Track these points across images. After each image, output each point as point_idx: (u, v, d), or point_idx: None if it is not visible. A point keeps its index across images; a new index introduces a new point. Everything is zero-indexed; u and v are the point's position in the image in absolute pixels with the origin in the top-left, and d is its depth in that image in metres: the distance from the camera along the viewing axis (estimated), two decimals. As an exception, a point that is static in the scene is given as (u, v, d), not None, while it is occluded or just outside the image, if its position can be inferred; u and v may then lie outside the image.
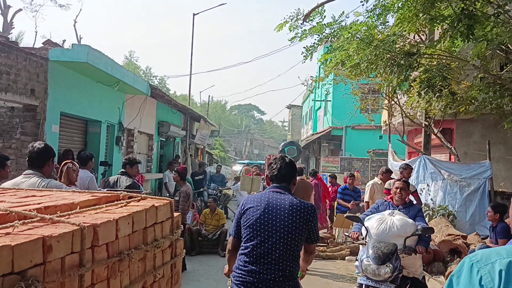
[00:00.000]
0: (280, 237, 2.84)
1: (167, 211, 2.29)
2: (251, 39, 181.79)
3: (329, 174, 13.73)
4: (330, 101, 26.16)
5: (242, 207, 3.01)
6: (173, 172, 13.31)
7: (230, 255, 3.13)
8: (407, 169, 7.75)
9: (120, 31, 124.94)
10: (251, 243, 2.88)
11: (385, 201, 5.18)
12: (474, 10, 6.19)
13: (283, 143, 18.86)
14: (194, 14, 22.79)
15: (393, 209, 4.74)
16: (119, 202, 2.23)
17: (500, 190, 10.25)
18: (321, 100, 29.08)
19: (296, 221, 2.87)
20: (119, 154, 11.92)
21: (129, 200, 2.25)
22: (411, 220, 4.52)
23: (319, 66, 28.26)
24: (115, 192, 2.39)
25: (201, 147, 24.83)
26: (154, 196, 2.43)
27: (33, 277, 1.33)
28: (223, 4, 23.93)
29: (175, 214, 2.42)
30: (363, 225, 4.49)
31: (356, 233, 4.67)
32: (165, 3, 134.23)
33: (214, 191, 15.60)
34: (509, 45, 6.62)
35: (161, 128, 15.82)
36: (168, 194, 12.65)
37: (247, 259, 2.87)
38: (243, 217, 2.97)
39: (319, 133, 28.12)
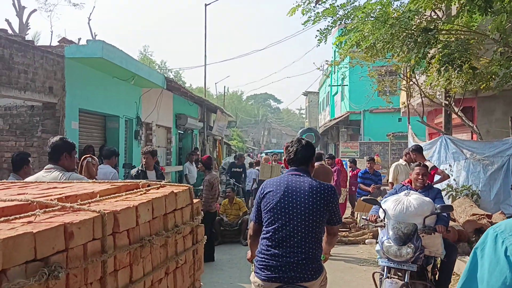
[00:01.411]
0: (301, 220, 2.82)
1: (186, 198, 2.29)
2: (264, 27, 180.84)
3: (349, 159, 13.62)
4: (347, 85, 25.88)
5: (262, 192, 3.00)
6: (193, 163, 13.44)
7: (252, 240, 3.13)
8: (416, 150, 7.59)
9: (133, 26, 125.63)
10: (273, 227, 2.87)
11: (403, 185, 5.11)
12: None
13: (301, 130, 18.77)
14: (206, 5, 22.73)
15: (409, 190, 4.67)
16: (138, 190, 2.23)
17: (524, 167, 10.00)
18: (337, 85, 28.78)
19: (316, 202, 2.85)
20: (138, 148, 12.04)
21: (149, 188, 2.25)
22: (427, 198, 4.45)
23: (334, 50, 27.94)
24: (134, 181, 2.40)
25: (219, 138, 24.91)
26: (173, 183, 2.43)
27: (56, 263, 1.34)
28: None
29: (195, 200, 2.41)
30: (381, 206, 4.44)
31: (374, 215, 4.62)
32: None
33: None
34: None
35: (178, 121, 15.90)
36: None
37: (270, 243, 2.86)
38: (263, 202, 2.96)
39: (337, 118, 27.90)
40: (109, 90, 10.22)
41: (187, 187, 2.33)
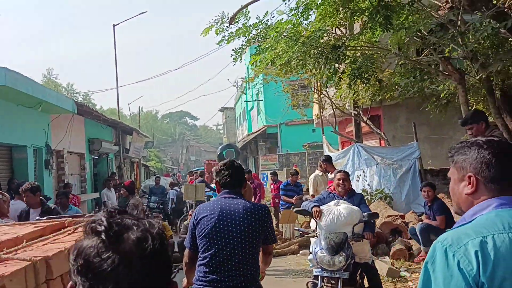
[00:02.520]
0: (237, 242, 2.82)
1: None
2: (178, 46, 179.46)
3: (270, 172, 13.90)
4: (262, 100, 26.50)
5: (196, 217, 2.95)
6: (111, 189, 12.87)
7: (188, 268, 3.06)
8: (326, 160, 7.99)
9: (35, 50, 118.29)
10: (209, 252, 2.83)
11: (330, 192, 5.32)
12: (389, 1, 6.53)
13: (220, 147, 18.87)
14: (114, 25, 22.12)
15: (338, 200, 4.88)
16: (65, 229, 2.10)
17: (428, 168, 10.91)
18: (253, 100, 29.37)
19: (251, 223, 2.87)
20: (50, 178, 11.28)
21: (76, 226, 2.12)
22: (356, 207, 4.69)
23: (247, 67, 28.54)
24: (59, 220, 2.25)
25: (136, 160, 24.15)
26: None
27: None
28: (143, 12, 23.44)
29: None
30: (312, 217, 4.58)
31: (317, 211, 4.62)
32: (81, 16, 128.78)
33: (156, 204, 15.18)
34: (423, 32, 7.07)
35: (92, 146, 15.19)
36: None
37: (207, 269, 2.82)
38: (198, 227, 2.91)
39: (255, 132, 28.39)
40: (14, 119, 9.50)
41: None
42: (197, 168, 29.43)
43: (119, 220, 0.96)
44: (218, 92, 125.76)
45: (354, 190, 5.43)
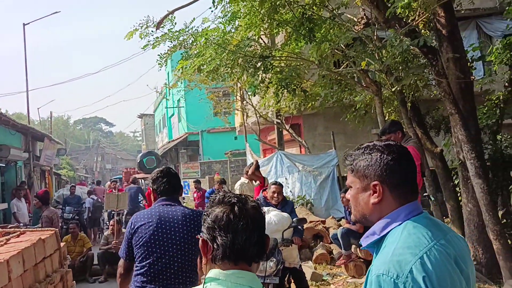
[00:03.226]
0: (177, 250, 2.78)
1: (54, 243, 2.06)
2: (97, 49, 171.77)
3: (193, 180, 13.78)
4: (183, 107, 26.20)
5: (132, 226, 2.85)
6: (21, 199, 11.93)
7: (122, 279, 2.93)
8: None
9: None
10: (147, 261, 2.75)
11: (265, 200, 5.39)
12: (312, 14, 6.84)
13: (140, 154, 18.35)
14: (24, 24, 20.64)
15: (268, 207, 4.99)
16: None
17: (345, 175, 11.44)
18: (174, 107, 28.92)
19: (191, 230, 2.83)
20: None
21: (8, 236, 1.96)
22: (286, 213, 4.82)
23: (168, 73, 28.10)
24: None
25: (47, 168, 22.64)
26: (34, 229, 2.17)
27: None
28: (56, 12, 22.17)
29: (61, 243, 2.19)
30: None
31: None
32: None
33: (71, 215, 14.34)
34: (341, 45, 7.48)
35: (-1, 153, 13.99)
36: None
37: (144, 279, 2.73)
38: (135, 237, 2.81)
39: (175, 140, 27.96)
40: None
41: (53, 231, 2.11)
42: (116, 177, 28.28)
43: (238, 196, 1.43)
44: (138, 98, 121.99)
45: (285, 198, 5.58)
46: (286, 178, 11.48)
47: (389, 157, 1.45)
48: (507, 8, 8.15)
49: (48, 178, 22.39)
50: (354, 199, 1.53)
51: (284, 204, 5.28)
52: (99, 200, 15.06)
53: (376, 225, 1.46)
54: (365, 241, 1.50)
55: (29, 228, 2.21)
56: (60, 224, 12.99)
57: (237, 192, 8.57)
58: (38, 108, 47.18)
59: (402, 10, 5.82)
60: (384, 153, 1.46)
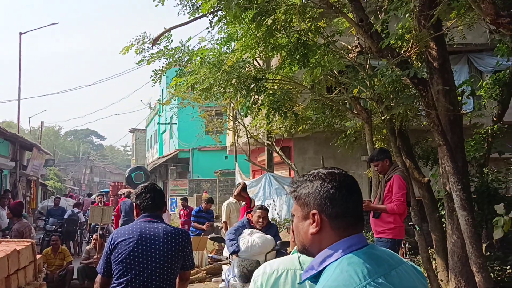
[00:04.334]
0: (156, 267, 2.74)
1: (29, 255, 2.03)
2: (92, 62, 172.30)
3: (181, 197, 13.69)
4: (176, 124, 26.21)
5: (113, 242, 2.81)
6: (5, 208, 11.75)
7: None
8: (243, 189, 8.00)
9: None
10: (125, 278, 2.70)
11: (250, 222, 5.36)
12: (307, 40, 6.94)
13: (129, 169, 18.24)
14: (21, 33, 20.70)
15: (252, 229, 4.95)
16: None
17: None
18: (166, 123, 28.91)
19: (171, 248, 2.80)
20: None
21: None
22: (270, 236, 4.79)
23: (162, 89, 28.19)
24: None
25: (34, 178, 22.38)
26: (10, 239, 2.13)
27: None
28: (54, 23, 22.32)
29: (38, 256, 2.15)
30: (235, 242, 4.60)
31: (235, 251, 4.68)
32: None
33: (54, 227, 14.12)
34: (335, 71, 7.58)
35: (-15, 160, 13.84)
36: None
37: (121, 296, 2.69)
38: (114, 252, 2.77)
39: (166, 156, 27.85)
40: None
41: (30, 243, 2.07)
42: (102, 190, 27.98)
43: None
44: (131, 112, 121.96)
45: (270, 221, 5.56)
46: (273, 200, 11.48)
47: (329, 185, 1.38)
48: (498, 45, 8.36)
49: (33, 188, 22.12)
50: (296, 228, 1.46)
51: (268, 228, 5.25)
52: (75, 212, 14.80)
53: (315, 259, 1.38)
54: (304, 275, 1.41)
55: (5, 238, 2.17)
56: (42, 236, 12.80)
57: (224, 211, 8.57)
58: (29, 117, 46.85)
59: (395, 41, 5.93)
60: (325, 181, 1.40)
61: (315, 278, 1.37)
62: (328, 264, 1.33)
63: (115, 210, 10.97)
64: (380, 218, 5.01)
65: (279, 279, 1.99)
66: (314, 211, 1.38)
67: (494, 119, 8.46)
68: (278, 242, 4.72)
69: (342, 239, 1.35)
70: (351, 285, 1.23)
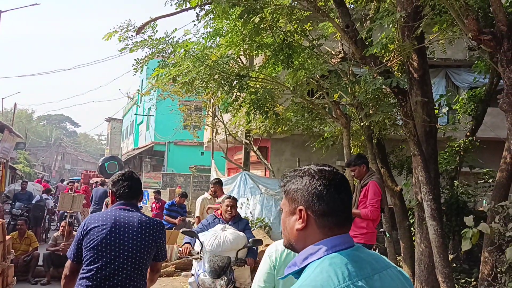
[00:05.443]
0: (128, 256, 2.70)
1: (-1, 235, 1.97)
2: (73, 46, 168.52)
3: (154, 190, 13.55)
4: (153, 116, 25.94)
5: (85, 228, 2.76)
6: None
7: (68, 280, 2.82)
8: (217, 183, 8.05)
9: None
10: (95, 265, 2.66)
11: (216, 217, 5.37)
12: (292, 41, 6.98)
13: (103, 158, 17.97)
14: (0, 12, 20.10)
15: (224, 224, 4.95)
16: None
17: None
18: (143, 115, 28.58)
19: (145, 238, 2.77)
20: None
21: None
22: (242, 233, 4.79)
23: (142, 80, 27.82)
24: None
25: (3, 161, 21.76)
26: (-20, 218, 2.07)
27: None
28: (36, 4, 21.71)
29: (7, 237, 2.09)
30: (198, 239, 4.57)
31: (187, 248, 4.70)
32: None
33: (20, 211, 13.77)
34: (317, 75, 7.65)
35: (-48, 139, 13.40)
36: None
37: (90, 283, 2.64)
38: (86, 238, 2.72)
39: (141, 148, 27.54)
40: None
41: (0, 223, 2.01)
42: (73, 178, 27.41)
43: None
44: (109, 100, 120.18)
45: (240, 215, 5.55)
46: (247, 199, 11.48)
47: (318, 182, 1.37)
48: (476, 62, 8.58)
49: (2, 170, 21.52)
50: (283, 222, 1.45)
51: (237, 220, 5.24)
52: (43, 198, 14.48)
53: (299, 255, 1.37)
54: (286, 271, 1.40)
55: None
56: (8, 220, 12.46)
57: (198, 206, 8.53)
58: (2, 99, 45.53)
59: (379, 50, 6.02)
60: (314, 177, 1.38)
61: (298, 274, 1.36)
62: (310, 262, 1.32)
63: (85, 198, 10.81)
64: (354, 223, 5.08)
65: (290, 254, 2.46)
66: (301, 207, 1.37)
67: (468, 133, 8.68)
68: (250, 240, 4.72)
69: (327, 238, 1.34)
70: (329, 285, 1.22)
